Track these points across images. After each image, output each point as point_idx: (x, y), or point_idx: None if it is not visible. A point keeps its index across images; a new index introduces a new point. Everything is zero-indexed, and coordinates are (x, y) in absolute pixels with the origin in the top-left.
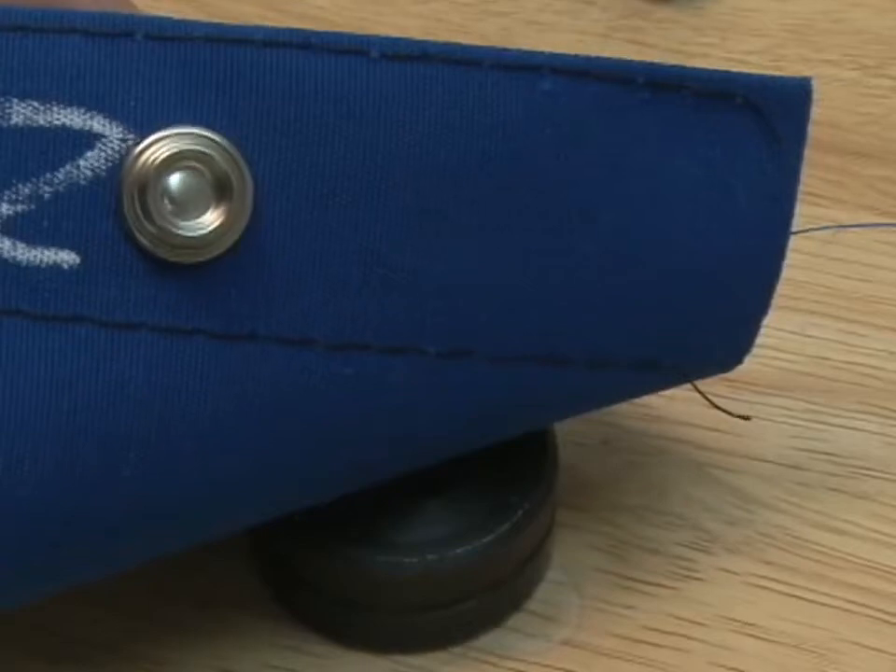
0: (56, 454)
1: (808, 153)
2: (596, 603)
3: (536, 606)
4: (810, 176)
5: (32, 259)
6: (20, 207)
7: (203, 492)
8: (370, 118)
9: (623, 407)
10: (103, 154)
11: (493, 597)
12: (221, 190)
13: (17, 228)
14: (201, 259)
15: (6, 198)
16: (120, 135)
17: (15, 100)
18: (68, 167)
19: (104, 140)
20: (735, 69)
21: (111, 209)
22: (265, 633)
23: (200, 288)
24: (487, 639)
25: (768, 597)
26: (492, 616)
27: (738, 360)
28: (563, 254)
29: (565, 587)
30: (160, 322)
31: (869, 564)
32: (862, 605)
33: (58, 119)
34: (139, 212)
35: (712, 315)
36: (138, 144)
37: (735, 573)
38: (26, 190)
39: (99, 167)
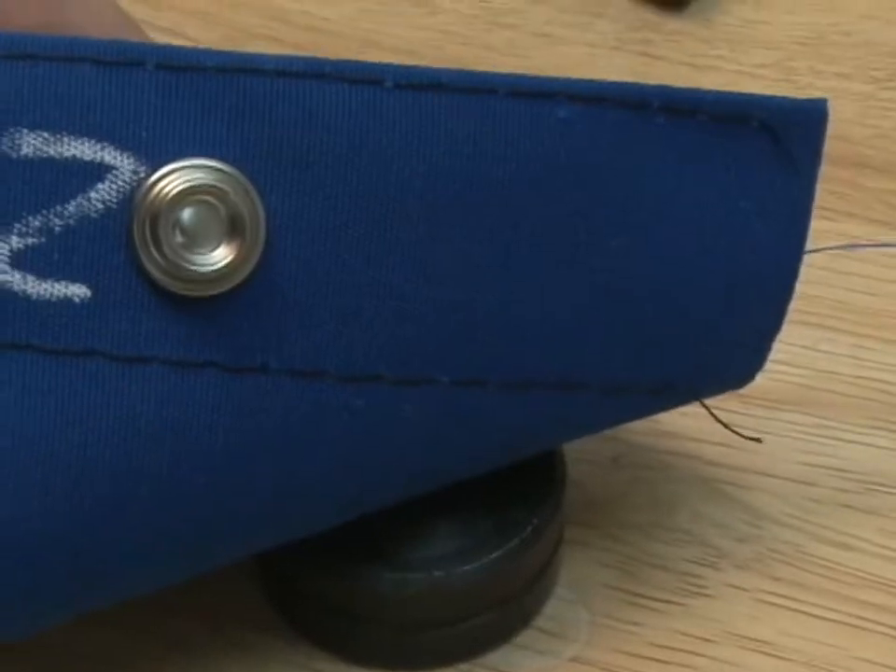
0: (67, 487)
1: None
2: (605, 620)
3: (544, 622)
4: (820, 190)
5: (42, 292)
6: (30, 240)
7: (214, 523)
8: (384, 148)
9: (632, 423)
10: (114, 186)
11: (501, 614)
12: (234, 226)
13: (27, 261)
14: (212, 292)
15: (16, 231)
16: (132, 167)
17: (25, 130)
18: (79, 199)
19: (115, 172)
20: (745, 82)
21: (122, 242)
22: (271, 650)
23: (211, 321)
24: (495, 656)
25: (777, 614)
26: (500, 633)
27: (751, 378)
28: (576, 280)
29: (573, 604)
30: (171, 355)
31: (879, 580)
32: (873, 621)
33: (68, 151)
34: (150, 245)
35: (726, 335)
36: (150, 176)
37: (743, 589)
38: (36, 223)
39: (110, 199)
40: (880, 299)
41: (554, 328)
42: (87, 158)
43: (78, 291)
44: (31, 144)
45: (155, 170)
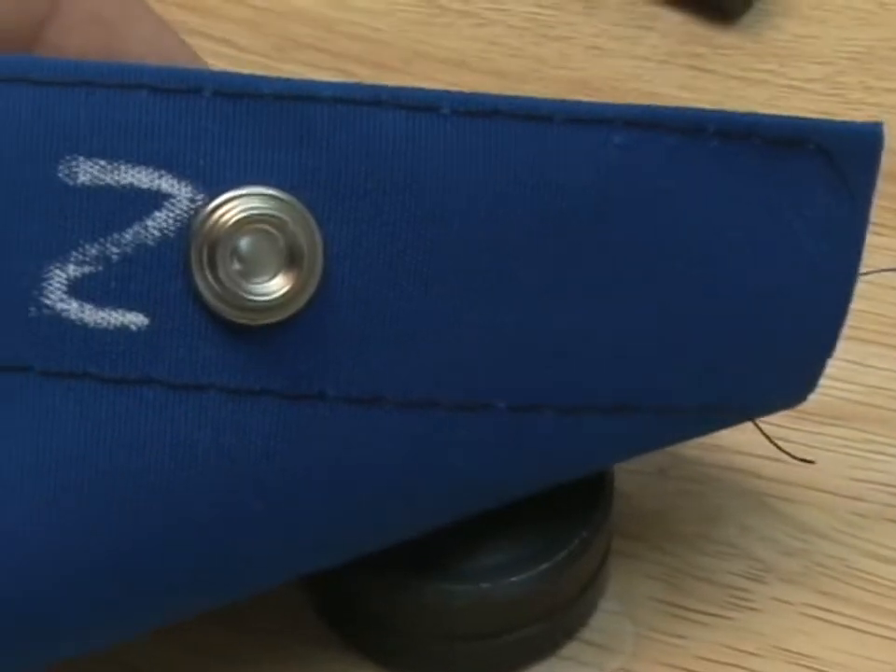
0: (124, 517)
1: None
2: (650, 632)
3: (590, 635)
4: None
5: (100, 321)
6: (87, 269)
7: (271, 550)
8: (440, 175)
9: None
10: (171, 214)
11: (547, 626)
12: (292, 256)
13: (84, 290)
14: (269, 321)
15: (73, 259)
16: (189, 195)
17: (82, 158)
18: (136, 227)
19: (172, 200)
20: (795, 96)
21: (179, 270)
22: (314, 659)
23: (268, 349)
24: (541, 669)
25: (823, 628)
26: (545, 645)
27: (803, 398)
28: (634, 305)
29: (619, 616)
30: (228, 383)
31: None
32: None
33: (126, 179)
34: (208, 273)
35: (780, 358)
36: (208, 204)
37: (789, 603)
38: (94, 251)
39: (167, 228)
40: None
41: (612, 353)
42: (144, 186)
43: (135, 319)
44: (88, 172)
45: (213, 198)
